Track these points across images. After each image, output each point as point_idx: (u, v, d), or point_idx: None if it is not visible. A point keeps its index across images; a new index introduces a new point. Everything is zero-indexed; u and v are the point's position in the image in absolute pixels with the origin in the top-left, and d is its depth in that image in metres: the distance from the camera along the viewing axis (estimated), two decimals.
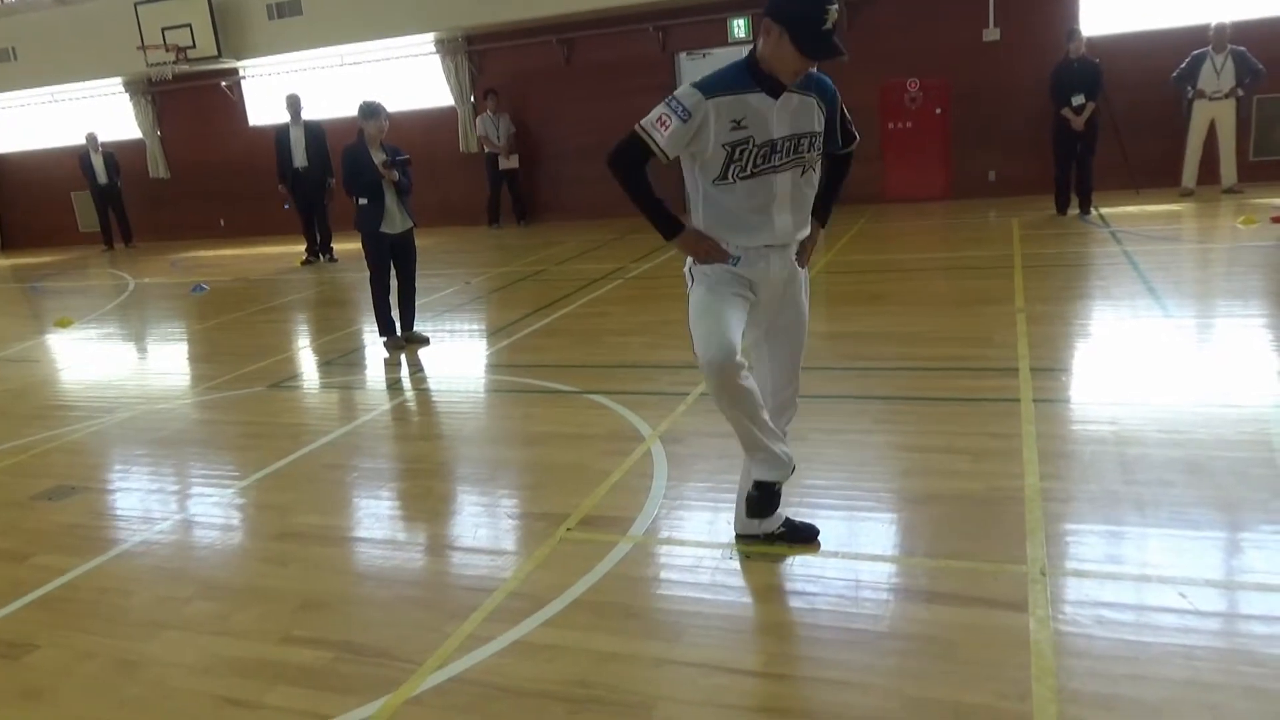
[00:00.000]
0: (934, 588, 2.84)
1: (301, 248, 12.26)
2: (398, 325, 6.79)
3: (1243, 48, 9.94)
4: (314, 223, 12.05)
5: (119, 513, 4.12)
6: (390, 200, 6.47)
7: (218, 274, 11.86)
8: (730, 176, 2.69)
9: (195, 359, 7.40)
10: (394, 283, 6.74)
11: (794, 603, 2.86)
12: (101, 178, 15.28)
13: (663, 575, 3.10)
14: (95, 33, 14.83)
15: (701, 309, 2.81)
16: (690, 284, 2.89)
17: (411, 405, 5.63)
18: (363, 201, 6.44)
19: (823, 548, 3.12)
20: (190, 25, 13.96)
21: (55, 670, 2.81)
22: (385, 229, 6.50)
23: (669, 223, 2.79)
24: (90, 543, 3.72)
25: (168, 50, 14.06)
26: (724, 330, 2.72)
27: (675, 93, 2.67)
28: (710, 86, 2.66)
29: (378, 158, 6.40)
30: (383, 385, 6.07)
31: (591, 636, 2.72)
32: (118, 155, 15.51)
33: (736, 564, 3.06)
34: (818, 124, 2.74)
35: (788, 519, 3.17)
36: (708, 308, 2.79)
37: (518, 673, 2.57)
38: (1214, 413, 4.05)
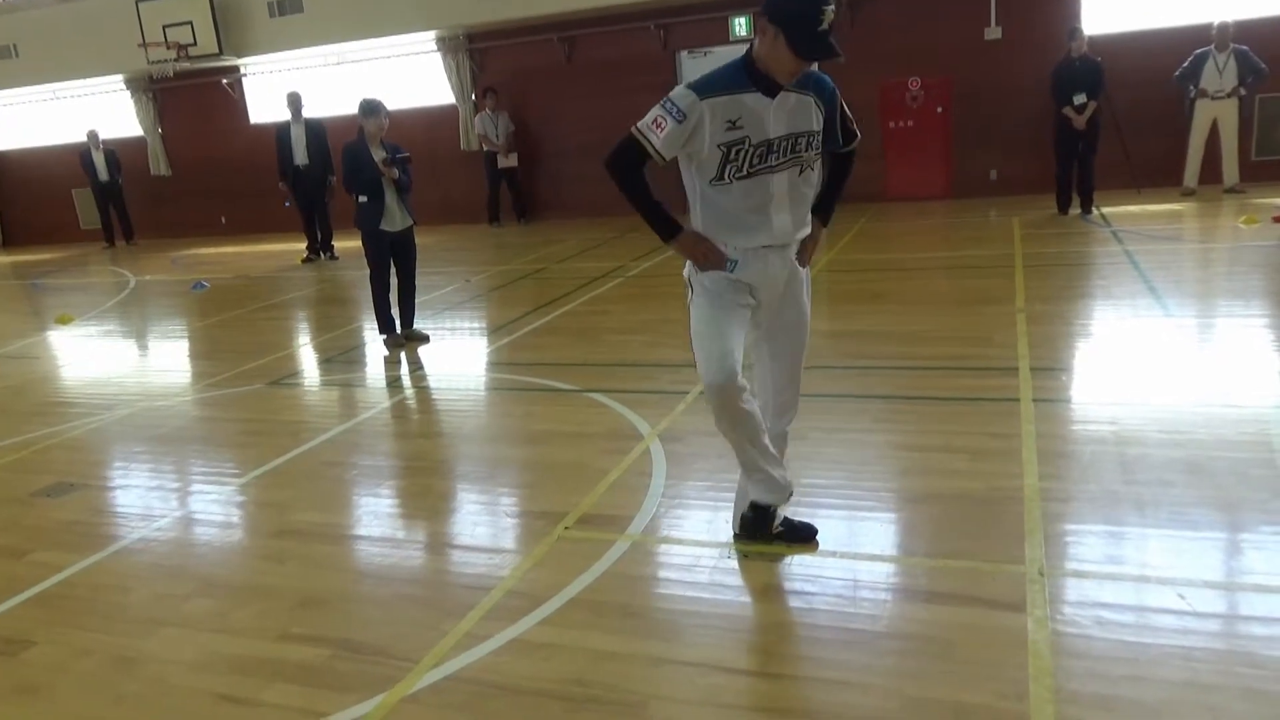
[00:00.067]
0: (932, 587, 2.83)
1: (302, 245, 12.26)
2: (398, 323, 6.78)
3: (1245, 47, 9.92)
4: (315, 220, 12.05)
5: (118, 509, 4.12)
6: (390, 198, 6.46)
7: (218, 271, 11.86)
8: (727, 177, 2.69)
9: (195, 356, 7.40)
10: (394, 280, 6.74)
11: (792, 602, 2.85)
12: (103, 175, 15.28)
13: (661, 574, 3.10)
14: (96, 30, 14.83)
15: (703, 323, 2.81)
16: (690, 294, 2.88)
17: (411, 403, 5.63)
18: (363, 199, 6.43)
19: (821, 547, 3.11)
20: (191, 23, 13.96)
21: (52, 667, 2.80)
22: (385, 226, 6.50)
23: (667, 225, 2.78)
24: (89, 539, 3.72)
25: (169, 47, 14.05)
26: (726, 352, 2.74)
27: (670, 94, 2.66)
28: (705, 87, 2.65)
29: (378, 155, 6.39)
30: (382, 383, 6.07)
31: (589, 635, 2.71)
32: (119, 152, 15.51)
33: (735, 563, 3.06)
34: (816, 123, 2.73)
35: (786, 518, 3.16)
36: (709, 322, 2.79)
37: (515, 671, 2.56)
38: (1214, 413, 4.04)
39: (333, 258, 12.02)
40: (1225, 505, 3.17)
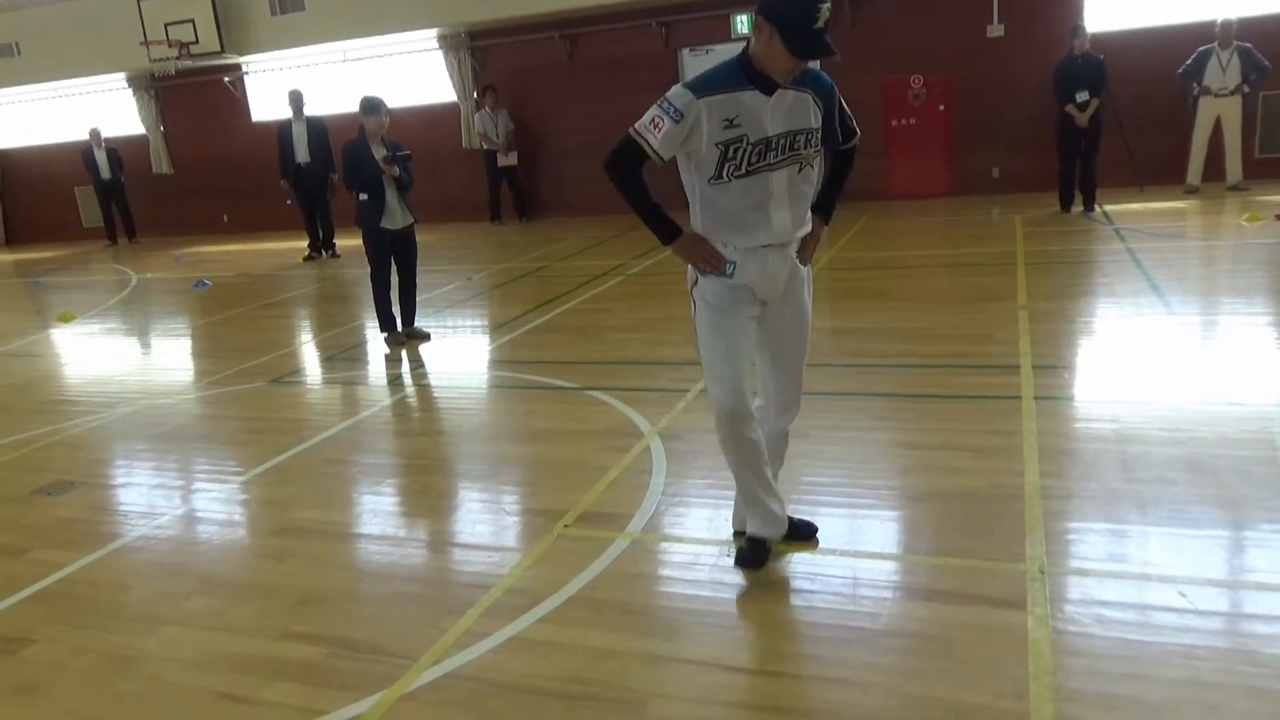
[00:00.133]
0: (933, 585, 2.82)
1: (304, 243, 12.26)
2: (399, 321, 6.78)
3: (1249, 44, 9.90)
4: (316, 218, 12.05)
5: (118, 508, 4.12)
6: (391, 196, 6.46)
7: (221, 269, 11.86)
8: (725, 175, 2.67)
9: (197, 354, 7.40)
10: (395, 278, 6.73)
11: (792, 600, 2.84)
12: (105, 173, 15.30)
13: (660, 572, 3.09)
14: (98, 28, 14.83)
15: (711, 338, 2.81)
16: (694, 305, 2.86)
17: (412, 401, 5.62)
18: (363, 197, 6.43)
19: (821, 545, 3.11)
20: (193, 20, 13.96)
21: (51, 665, 2.80)
22: (386, 224, 6.50)
23: (666, 227, 2.77)
24: (89, 538, 3.72)
25: (171, 45, 14.06)
26: (737, 378, 2.78)
27: (667, 94, 2.65)
28: (702, 86, 2.64)
29: (378, 153, 6.39)
30: (383, 381, 6.06)
31: (588, 633, 2.71)
32: (121, 151, 15.52)
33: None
34: (814, 120, 2.71)
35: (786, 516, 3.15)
36: (718, 336, 2.79)
37: (513, 669, 2.56)
38: (1217, 410, 4.03)
39: (334, 256, 12.03)
40: (1227, 503, 3.16)
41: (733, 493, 3.23)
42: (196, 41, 14.06)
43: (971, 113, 11.86)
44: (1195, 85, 10.14)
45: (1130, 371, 4.69)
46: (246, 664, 2.71)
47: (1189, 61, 10.14)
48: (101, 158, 15.19)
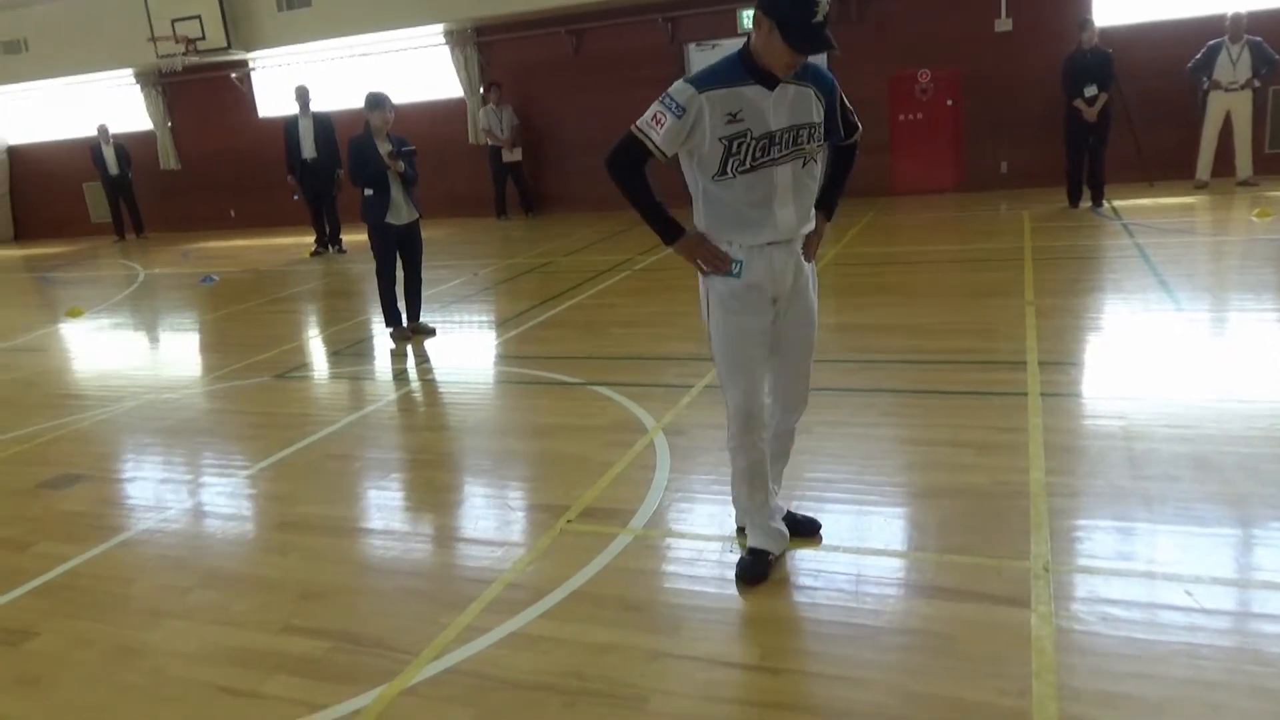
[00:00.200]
0: (936, 582, 2.81)
1: (311, 239, 12.28)
2: (404, 316, 6.78)
3: (1259, 38, 9.83)
4: (323, 214, 12.06)
5: (123, 501, 4.13)
6: (396, 191, 6.46)
7: (228, 265, 11.88)
8: (729, 171, 2.65)
9: (203, 349, 7.41)
10: (401, 273, 6.73)
11: (795, 596, 2.83)
12: (112, 169, 15.34)
13: (663, 568, 3.08)
14: (106, 24, 14.86)
15: (727, 341, 2.80)
16: (706, 306, 2.84)
17: (417, 396, 5.62)
18: (368, 192, 6.44)
19: (825, 541, 3.10)
20: (200, 17, 13.97)
21: (54, 658, 2.81)
22: (391, 220, 6.50)
23: (669, 227, 2.75)
24: (93, 531, 3.73)
25: (177, 42, 14.07)
26: (754, 380, 2.80)
27: (668, 89, 2.63)
28: (703, 80, 2.62)
29: (383, 148, 6.38)
30: (389, 376, 6.06)
31: (589, 629, 2.70)
32: (129, 147, 15.56)
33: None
34: (816, 114, 2.69)
35: (790, 512, 3.14)
36: (734, 340, 2.78)
37: (514, 664, 2.55)
38: (1224, 408, 4.00)
39: (340, 251, 12.04)
40: (1234, 501, 3.14)
41: None
42: (203, 37, 14.07)
43: (979, 107, 11.80)
44: (1205, 80, 10.07)
45: (1138, 368, 4.66)
46: (248, 657, 2.72)
47: (1199, 55, 10.07)
48: (109, 154, 15.24)
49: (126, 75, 15.91)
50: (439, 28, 13.70)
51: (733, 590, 2.88)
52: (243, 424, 5.15)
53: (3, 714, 2.57)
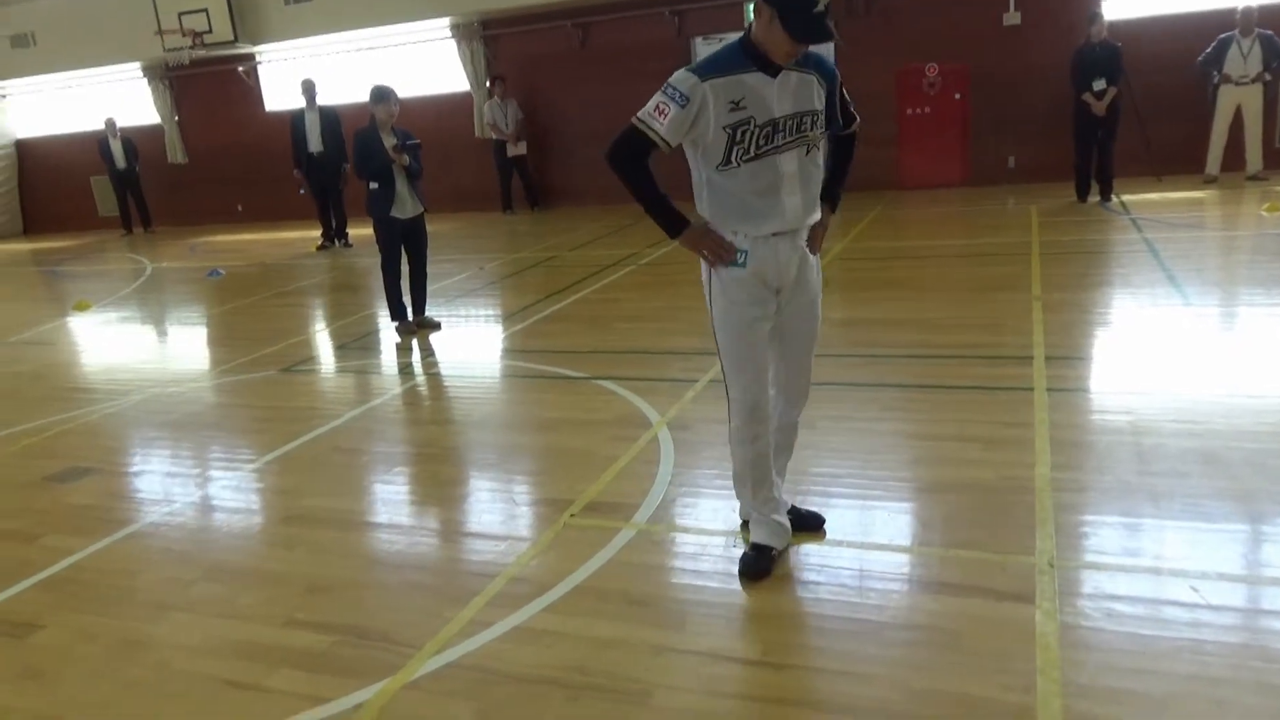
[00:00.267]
0: (940, 578, 2.80)
1: (317, 233, 12.29)
2: (409, 310, 6.79)
3: (1270, 32, 9.75)
4: (329, 208, 12.07)
5: (129, 494, 4.14)
6: (401, 185, 6.46)
7: (234, 259, 11.90)
8: (734, 160, 2.64)
9: (210, 343, 7.43)
10: (406, 268, 6.74)
11: (798, 591, 2.83)
12: (120, 163, 15.37)
13: (666, 562, 3.08)
14: (113, 18, 14.89)
15: (731, 334, 2.79)
16: (710, 299, 2.82)
17: (422, 390, 5.63)
18: (373, 186, 6.43)
19: (828, 536, 3.09)
20: (206, 10, 13.98)
21: (58, 651, 2.82)
22: (396, 214, 6.49)
23: (674, 219, 2.73)
24: (99, 524, 3.74)
25: (184, 35, 14.09)
26: (758, 372, 2.80)
27: (670, 79, 2.62)
28: (705, 69, 2.61)
29: (388, 142, 6.38)
30: (394, 370, 6.07)
31: (592, 623, 2.70)
32: (136, 140, 15.59)
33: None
34: (818, 102, 2.68)
35: (794, 506, 3.14)
36: (738, 333, 2.78)
37: (517, 658, 2.55)
38: (1233, 403, 3.98)
39: (347, 245, 12.05)
40: (1241, 496, 3.12)
41: None
42: (210, 31, 14.09)
43: (987, 101, 11.74)
44: (1215, 73, 10.00)
45: (1145, 363, 4.64)
46: (253, 651, 2.72)
47: (1209, 49, 10.00)
48: (117, 147, 15.27)
49: (134, 69, 15.93)
50: (445, 21, 13.69)
51: (736, 585, 2.87)
52: (249, 417, 5.16)
53: (7, 707, 2.58)
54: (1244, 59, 9.83)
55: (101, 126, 15.31)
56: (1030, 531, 2.98)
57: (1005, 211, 9.94)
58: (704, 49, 12.83)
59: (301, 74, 12.91)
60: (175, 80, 16.01)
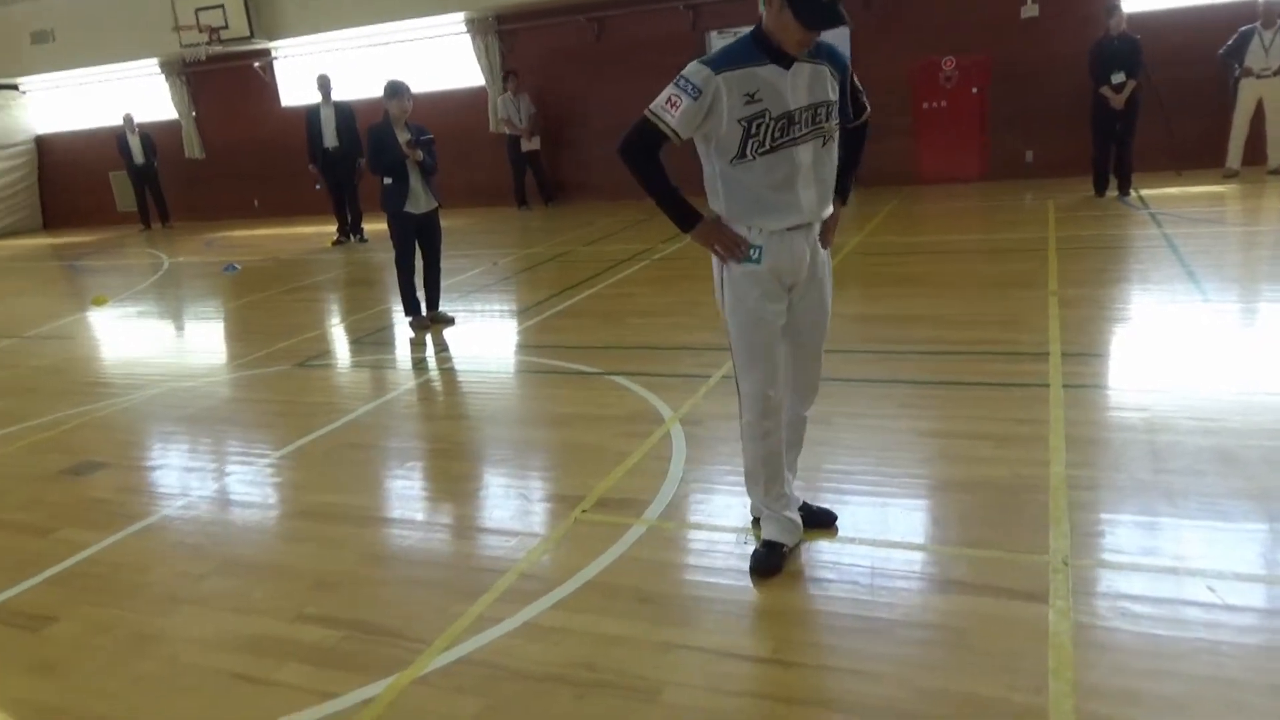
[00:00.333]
0: (952, 576, 2.78)
1: (333, 228, 12.33)
2: (423, 305, 6.80)
3: None
4: (344, 203, 12.10)
5: (143, 488, 4.17)
6: (415, 180, 6.46)
7: (251, 254, 11.96)
8: (749, 153, 2.61)
9: (225, 337, 7.47)
10: (420, 263, 6.75)
11: (809, 589, 2.81)
12: (138, 158, 15.47)
13: (676, 559, 3.07)
14: (131, 14, 14.99)
15: (743, 329, 2.78)
16: (722, 294, 2.81)
17: (435, 385, 5.64)
18: (387, 181, 6.44)
19: (840, 534, 3.07)
20: (223, 6, 14.05)
21: (72, 643, 2.84)
22: (410, 209, 6.50)
23: (686, 213, 2.71)
24: (113, 518, 3.77)
25: (201, 31, 14.17)
26: (771, 367, 2.79)
27: (683, 71, 2.59)
28: (718, 61, 2.58)
29: (402, 137, 6.39)
30: (408, 365, 6.08)
31: (602, 620, 2.69)
32: (154, 136, 15.69)
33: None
34: (832, 93, 2.66)
35: (805, 503, 3.12)
36: (751, 327, 2.76)
37: (526, 654, 2.55)
38: (1251, 401, 3.92)
39: (362, 240, 12.08)
40: (1258, 495, 3.08)
41: None
42: (226, 27, 14.16)
43: (1005, 95, 11.63)
44: (1236, 66, 9.87)
45: (1162, 360, 4.59)
46: (263, 645, 2.73)
47: (1230, 41, 9.87)
48: (135, 143, 15.37)
49: (151, 65, 16.03)
50: (460, 16, 13.69)
51: (747, 582, 2.86)
52: (263, 412, 5.18)
53: (20, 699, 2.60)
54: (1266, 52, 9.70)
55: (120, 122, 15.41)
56: (1044, 530, 2.95)
57: (1023, 206, 9.85)
58: (718, 43, 12.78)
59: (317, 69, 12.95)
60: (192, 76, 16.10)
